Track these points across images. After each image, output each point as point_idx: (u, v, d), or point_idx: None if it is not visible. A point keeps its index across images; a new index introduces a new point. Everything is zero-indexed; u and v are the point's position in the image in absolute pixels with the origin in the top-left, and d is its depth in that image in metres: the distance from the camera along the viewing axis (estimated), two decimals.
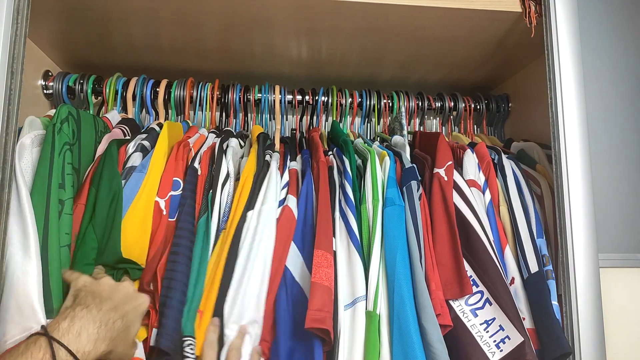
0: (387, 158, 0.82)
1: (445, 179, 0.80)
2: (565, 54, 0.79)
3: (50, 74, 1.03)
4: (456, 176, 0.82)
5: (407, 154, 0.87)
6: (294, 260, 0.74)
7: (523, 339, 0.68)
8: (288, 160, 0.88)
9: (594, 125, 0.91)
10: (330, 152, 0.89)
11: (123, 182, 0.75)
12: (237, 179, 0.82)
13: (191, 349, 0.64)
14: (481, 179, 0.85)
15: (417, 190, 0.78)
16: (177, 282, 0.67)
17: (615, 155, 1.02)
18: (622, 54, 1.06)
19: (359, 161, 0.87)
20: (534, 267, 0.76)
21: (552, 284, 0.76)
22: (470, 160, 0.86)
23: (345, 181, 0.80)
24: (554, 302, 0.74)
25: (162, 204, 0.75)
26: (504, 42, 0.98)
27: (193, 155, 0.83)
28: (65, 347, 0.50)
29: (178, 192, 0.77)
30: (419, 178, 0.81)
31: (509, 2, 0.87)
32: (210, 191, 0.78)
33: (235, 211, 0.75)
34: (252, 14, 0.89)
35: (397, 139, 0.95)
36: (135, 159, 0.78)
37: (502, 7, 0.87)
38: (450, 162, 0.83)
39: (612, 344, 0.79)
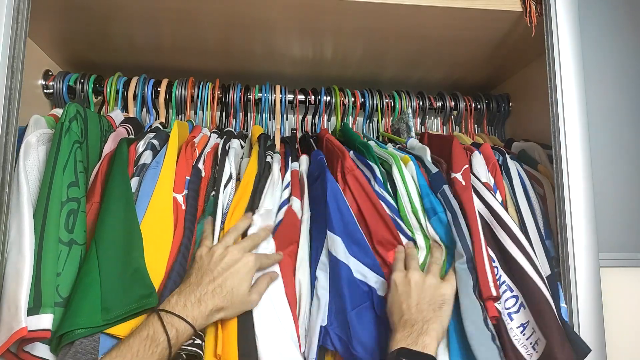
0: (411, 163, 0.82)
1: (463, 183, 0.80)
2: (566, 53, 0.79)
3: (50, 73, 1.03)
4: (473, 180, 0.81)
5: (428, 158, 0.86)
6: (356, 267, 0.74)
7: (546, 341, 0.67)
8: (289, 161, 0.88)
9: (594, 124, 0.90)
10: None
11: (137, 179, 0.75)
12: (237, 180, 0.82)
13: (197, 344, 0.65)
14: (491, 180, 0.84)
15: (450, 194, 0.79)
16: (170, 281, 0.68)
17: (616, 154, 1.02)
18: (623, 53, 1.06)
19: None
20: (545, 270, 0.75)
21: (560, 287, 0.75)
22: (479, 162, 0.84)
23: (383, 190, 0.80)
24: (562, 305, 0.74)
25: (180, 199, 0.76)
26: (504, 41, 0.98)
27: (197, 155, 0.84)
28: (175, 314, 0.61)
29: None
30: (447, 182, 0.80)
31: (510, 2, 0.87)
32: (213, 193, 0.78)
33: (234, 212, 0.75)
34: (253, 13, 0.89)
35: (413, 142, 0.94)
36: (147, 157, 0.79)
37: (502, 7, 0.87)
38: (466, 166, 0.82)
39: (613, 344, 0.78)
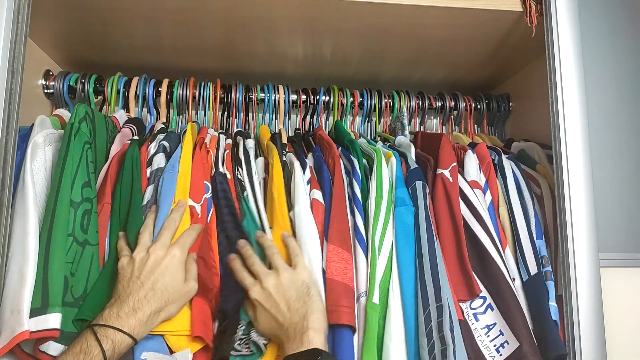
0: (392, 158, 0.83)
1: (451, 180, 0.81)
2: (566, 53, 0.79)
3: (51, 73, 1.03)
4: (459, 178, 0.82)
5: (412, 155, 0.88)
6: None
7: (518, 344, 0.68)
8: (304, 159, 0.89)
9: (594, 124, 0.90)
10: None
11: (152, 185, 0.75)
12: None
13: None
14: (482, 179, 0.85)
15: (423, 191, 0.79)
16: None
17: (616, 154, 1.02)
18: (623, 53, 1.06)
19: (364, 161, 0.87)
20: (533, 268, 0.76)
21: (550, 285, 0.76)
22: (471, 160, 0.86)
23: (354, 180, 0.82)
24: (552, 304, 0.74)
25: (198, 208, 0.76)
26: (504, 41, 0.98)
27: (213, 157, 0.84)
28: (109, 326, 0.60)
29: (209, 195, 0.78)
30: (424, 179, 0.81)
31: (510, 2, 0.87)
32: (246, 194, 0.79)
33: (281, 213, 0.77)
34: (254, 13, 0.89)
35: (401, 139, 0.95)
36: (160, 161, 0.79)
37: (503, 7, 0.87)
38: (454, 164, 0.83)
39: (613, 344, 0.78)
